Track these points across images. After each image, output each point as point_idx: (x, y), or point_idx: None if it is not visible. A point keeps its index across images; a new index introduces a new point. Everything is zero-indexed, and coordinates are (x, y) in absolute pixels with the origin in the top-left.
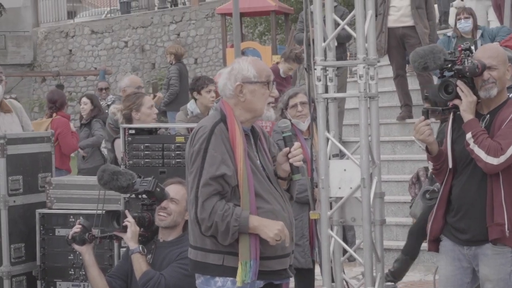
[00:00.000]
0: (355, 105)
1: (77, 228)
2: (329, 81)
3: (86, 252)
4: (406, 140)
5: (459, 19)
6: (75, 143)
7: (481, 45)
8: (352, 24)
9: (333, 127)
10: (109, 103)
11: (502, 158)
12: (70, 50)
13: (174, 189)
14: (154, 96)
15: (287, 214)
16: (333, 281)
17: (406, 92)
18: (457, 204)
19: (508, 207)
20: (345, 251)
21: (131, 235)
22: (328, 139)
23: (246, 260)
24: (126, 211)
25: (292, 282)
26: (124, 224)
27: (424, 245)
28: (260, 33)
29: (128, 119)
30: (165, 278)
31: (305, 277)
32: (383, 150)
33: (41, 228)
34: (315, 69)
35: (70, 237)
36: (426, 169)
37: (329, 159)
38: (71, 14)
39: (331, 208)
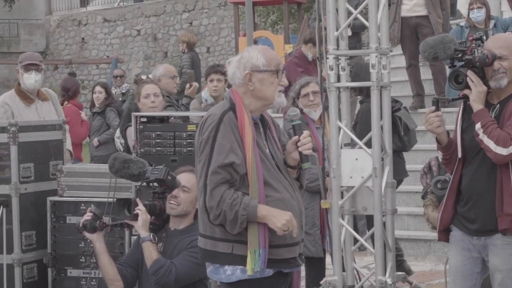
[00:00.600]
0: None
1: (88, 216)
2: (341, 70)
3: (97, 240)
4: (418, 130)
5: (472, 8)
6: (84, 132)
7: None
8: (365, 13)
9: (345, 116)
10: (123, 91)
11: (511, 149)
12: (83, 38)
13: (185, 178)
14: (191, 86)
15: (296, 203)
16: (343, 270)
17: (418, 82)
18: (467, 194)
19: None
20: (356, 241)
21: (142, 223)
22: (340, 128)
23: (255, 248)
24: (137, 199)
25: (303, 271)
26: (135, 212)
27: (435, 234)
28: (272, 22)
29: (136, 108)
30: (175, 266)
31: (316, 266)
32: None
33: (52, 216)
34: (327, 58)
35: (81, 225)
36: (438, 159)
37: (341, 148)
38: (84, 2)
39: (342, 197)
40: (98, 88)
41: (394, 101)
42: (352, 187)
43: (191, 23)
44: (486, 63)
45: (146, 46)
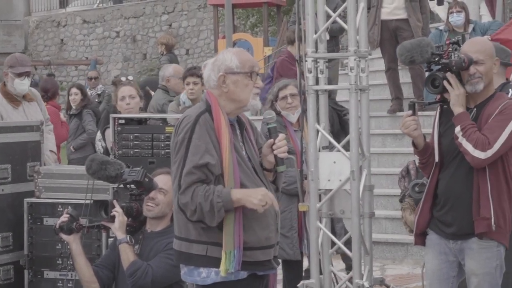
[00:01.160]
0: (346, 97)
1: (64, 218)
2: (319, 73)
3: (74, 242)
4: (396, 133)
5: (452, 12)
6: (64, 134)
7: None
8: (344, 16)
9: (323, 119)
10: (99, 92)
11: (489, 153)
12: (62, 40)
13: (162, 180)
14: None
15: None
16: (321, 273)
17: (397, 85)
18: (444, 198)
19: (494, 201)
20: (333, 244)
21: (118, 225)
22: (318, 131)
23: (230, 249)
24: (114, 201)
25: (280, 274)
26: (112, 214)
27: (412, 238)
28: (252, 25)
29: (114, 109)
30: (152, 268)
31: (293, 268)
32: (373, 143)
33: (29, 217)
34: (306, 60)
35: (57, 227)
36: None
37: (319, 151)
38: (63, 3)
39: (320, 200)
40: (74, 90)
41: (341, 106)
42: (330, 190)
43: (170, 25)
44: (463, 67)
45: (125, 48)
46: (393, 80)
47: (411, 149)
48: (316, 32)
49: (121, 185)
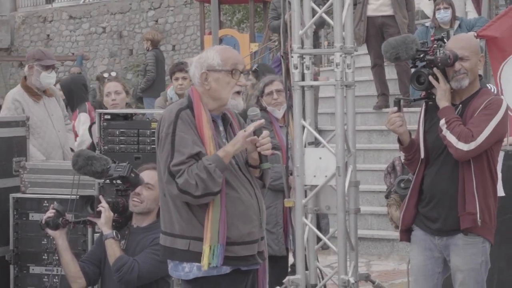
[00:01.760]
0: (332, 93)
1: (50, 213)
2: (305, 69)
3: (60, 237)
4: (382, 130)
5: (439, 9)
6: None
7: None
8: (330, 12)
9: (309, 115)
10: None
11: (472, 145)
12: (48, 35)
13: (148, 175)
14: None
15: (255, 201)
16: (307, 269)
17: (383, 82)
18: (429, 194)
19: (480, 197)
20: (319, 239)
21: (105, 220)
22: (304, 127)
23: (214, 244)
24: (100, 197)
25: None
26: (98, 209)
27: (398, 234)
28: (238, 21)
29: (100, 105)
30: (138, 263)
31: (279, 264)
32: (359, 139)
33: (15, 213)
34: (291, 56)
35: (43, 222)
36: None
37: (305, 147)
38: None
39: (305, 196)
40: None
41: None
42: (316, 186)
43: (156, 21)
44: (448, 64)
45: (111, 44)
46: (379, 77)
47: (397, 146)
48: (302, 28)
49: (107, 181)
